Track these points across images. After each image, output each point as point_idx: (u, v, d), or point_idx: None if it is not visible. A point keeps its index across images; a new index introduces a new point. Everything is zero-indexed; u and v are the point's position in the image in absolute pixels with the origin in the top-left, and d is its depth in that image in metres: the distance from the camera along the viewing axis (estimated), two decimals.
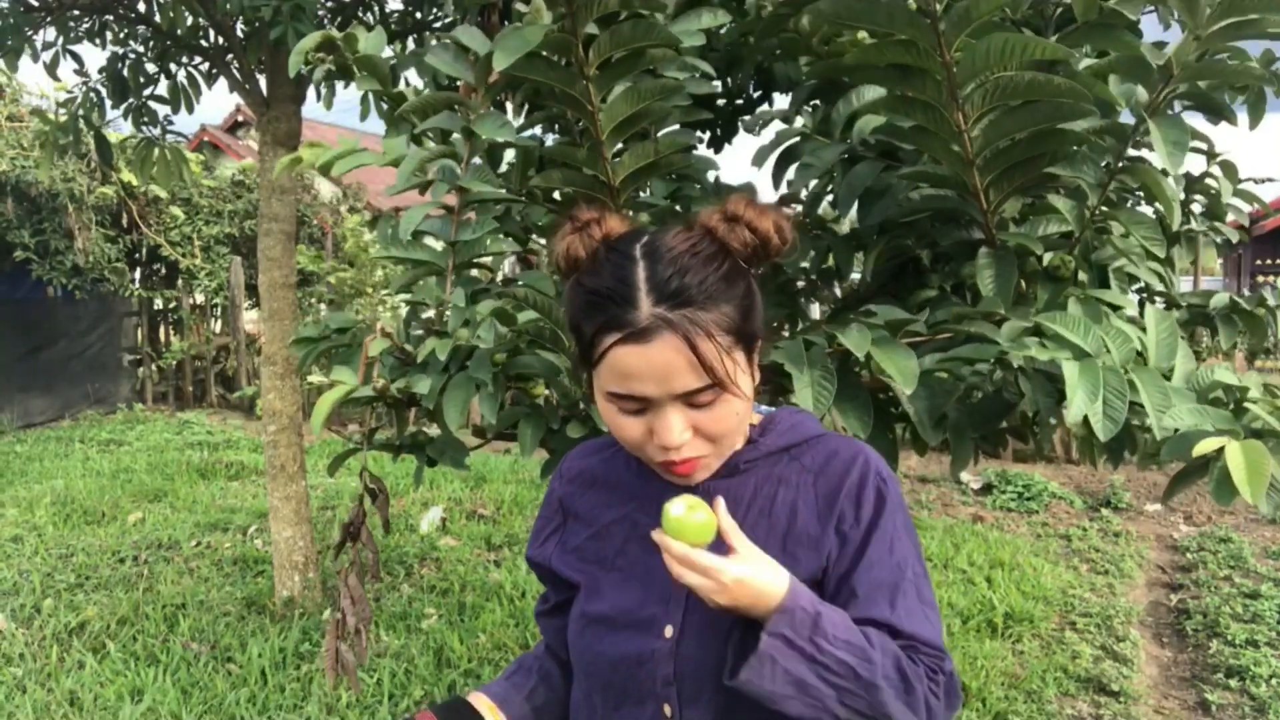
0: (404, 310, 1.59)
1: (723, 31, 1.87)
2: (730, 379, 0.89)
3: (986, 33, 1.17)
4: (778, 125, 1.87)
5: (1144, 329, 1.31)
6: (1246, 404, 1.17)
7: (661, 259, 0.89)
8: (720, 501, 0.89)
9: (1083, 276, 1.52)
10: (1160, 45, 1.47)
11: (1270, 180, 1.96)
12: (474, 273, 1.65)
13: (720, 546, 0.88)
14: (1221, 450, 1.07)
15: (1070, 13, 1.38)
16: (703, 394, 0.89)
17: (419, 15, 3.72)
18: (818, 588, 0.94)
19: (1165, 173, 1.37)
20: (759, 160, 1.81)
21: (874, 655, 0.87)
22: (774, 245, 0.94)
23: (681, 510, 0.88)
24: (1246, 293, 1.84)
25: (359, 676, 3.24)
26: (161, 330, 10.18)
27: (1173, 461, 1.20)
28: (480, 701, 1.11)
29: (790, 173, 1.79)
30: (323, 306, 9.70)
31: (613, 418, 0.94)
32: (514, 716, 1.12)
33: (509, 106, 2.02)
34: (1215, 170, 1.85)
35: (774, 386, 1.41)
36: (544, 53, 1.37)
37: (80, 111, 4.05)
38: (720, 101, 2.05)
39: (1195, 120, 1.54)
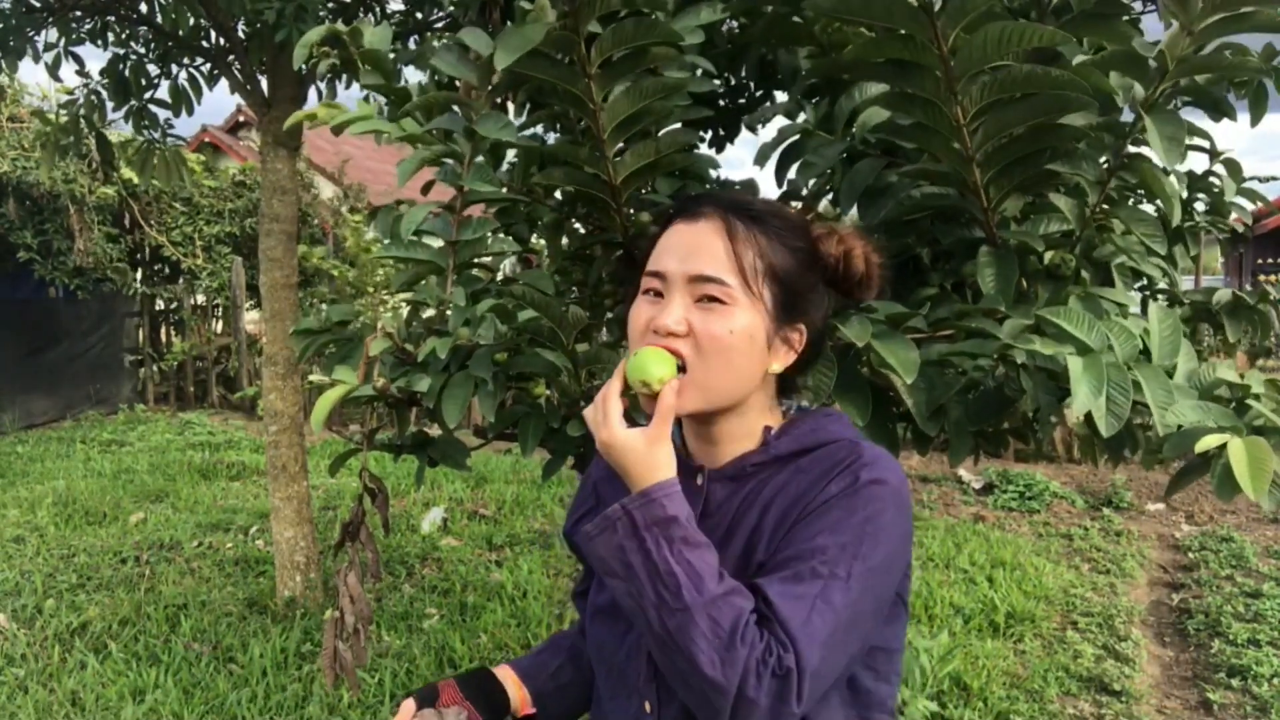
0: (404, 310, 1.59)
1: (724, 28, 1.87)
2: (744, 283, 0.92)
3: (983, 24, 1.16)
4: (780, 121, 1.86)
5: (1147, 326, 1.30)
6: (1249, 401, 1.17)
7: (745, 193, 0.99)
8: (671, 387, 0.90)
9: (1084, 275, 1.51)
10: (1156, 44, 1.46)
11: (1275, 179, 1.96)
12: (474, 272, 1.65)
13: None
14: (1224, 447, 1.07)
15: (1067, 3, 1.38)
16: (711, 286, 0.92)
17: (420, 15, 3.72)
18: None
19: (1168, 173, 1.37)
20: (761, 159, 1.81)
21: (708, 588, 0.83)
22: (856, 265, 0.98)
23: (650, 352, 0.91)
24: (1249, 287, 1.84)
25: (360, 677, 3.25)
26: (163, 330, 10.18)
27: (1175, 460, 1.20)
28: (504, 673, 1.14)
29: (792, 171, 1.78)
30: (324, 306, 9.69)
31: (633, 310, 0.97)
32: (537, 691, 1.14)
33: (510, 106, 2.02)
34: (1218, 169, 1.85)
35: (790, 388, 1.41)
36: (546, 50, 1.37)
37: (81, 112, 4.06)
38: (721, 101, 2.05)
39: (1197, 118, 1.53)
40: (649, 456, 0.88)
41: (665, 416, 0.89)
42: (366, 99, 3.90)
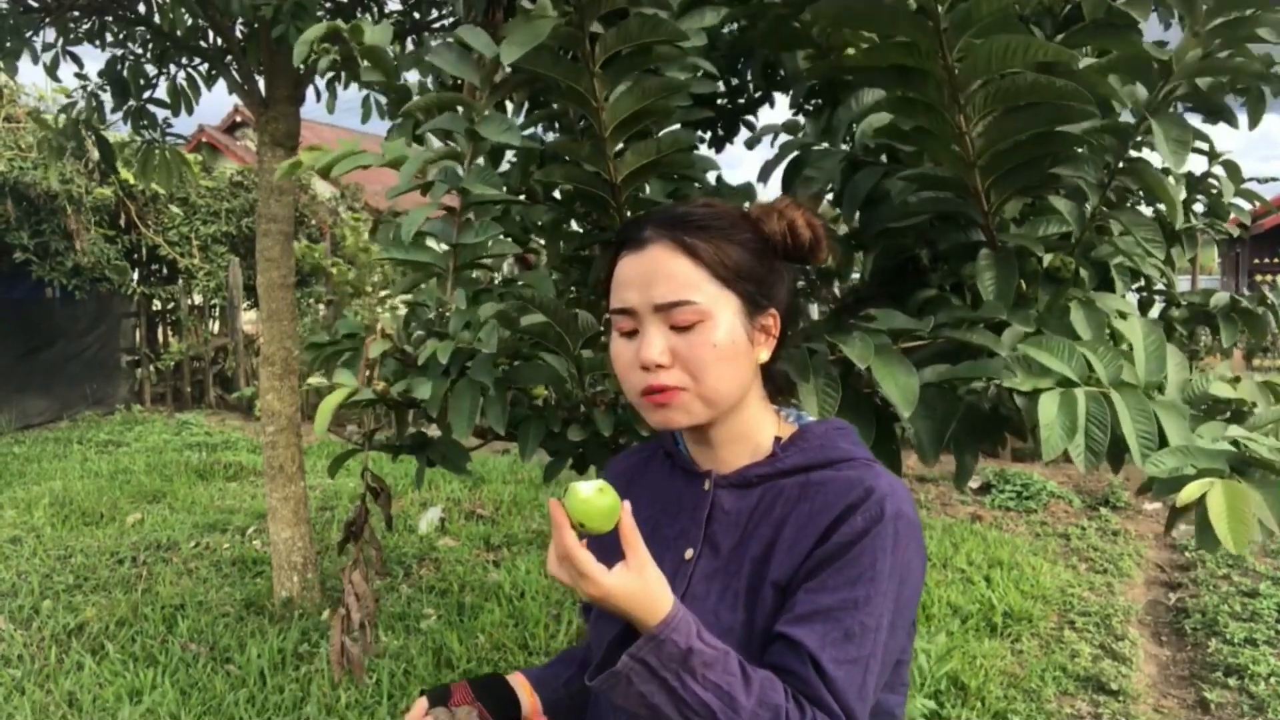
0: (403, 310, 1.60)
1: (725, 30, 1.87)
2: (711, 294, 0.92)
3: (989, 33, 1.16)
4: (782, 136, 1.86)
5: (1141, 333, 1.29)
6: (1234, 433, 1.14)
7: (679, 204, 0.99)
8: (627, 506, 0.85)
9: (1083, 275, 1.52)
10: (1161, 44, 1.47)
11: (1273, 180, 1.97)
12: (474, 274, 1.65)
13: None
14: (1204, 496, 1.03)
15: (1078, 10, 1.38)
16: (679, 310, 0.92)
17: (418, 15, 3.72)
18: (782, 594, 0.93)
19: (1167, 171, 1.37)
20: (764, 176, 1.81)
21: (741, 703, 0.82)
22: (801, 235, 0.99)
23: (589, 492, 0.84)
24: (1246, 291, 1.85)
25: (362, 674, 3.24)
26: (160, 331, 10.17)
27: (1163, 496, 1.18)
28: (517, 680, 1.15)
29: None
30: (321, 307, 9.71)
31: (612, 348, 0.98)
32: (549, 699, 1.15)
33: (509, 106, 2.02)
34: (1218, 170, 1.85)
35: (784, 385, 1.41)
36: (551, 46, 1.37)
37: (81, 115, 4.05)
38: (721, 100, 2.05)
39: (1196, 121, 1.54)
40: (646, 590, 0.83)
41: (634, 539, 0.84)
42: (366, 100, 3.87)
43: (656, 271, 0.93)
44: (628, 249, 0.96)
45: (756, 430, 1.01)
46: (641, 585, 0.83)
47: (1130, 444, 1.12)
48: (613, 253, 0.99)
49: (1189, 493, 1.04)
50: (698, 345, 0.92)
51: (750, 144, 2.01)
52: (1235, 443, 1.12)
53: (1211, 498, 1.02)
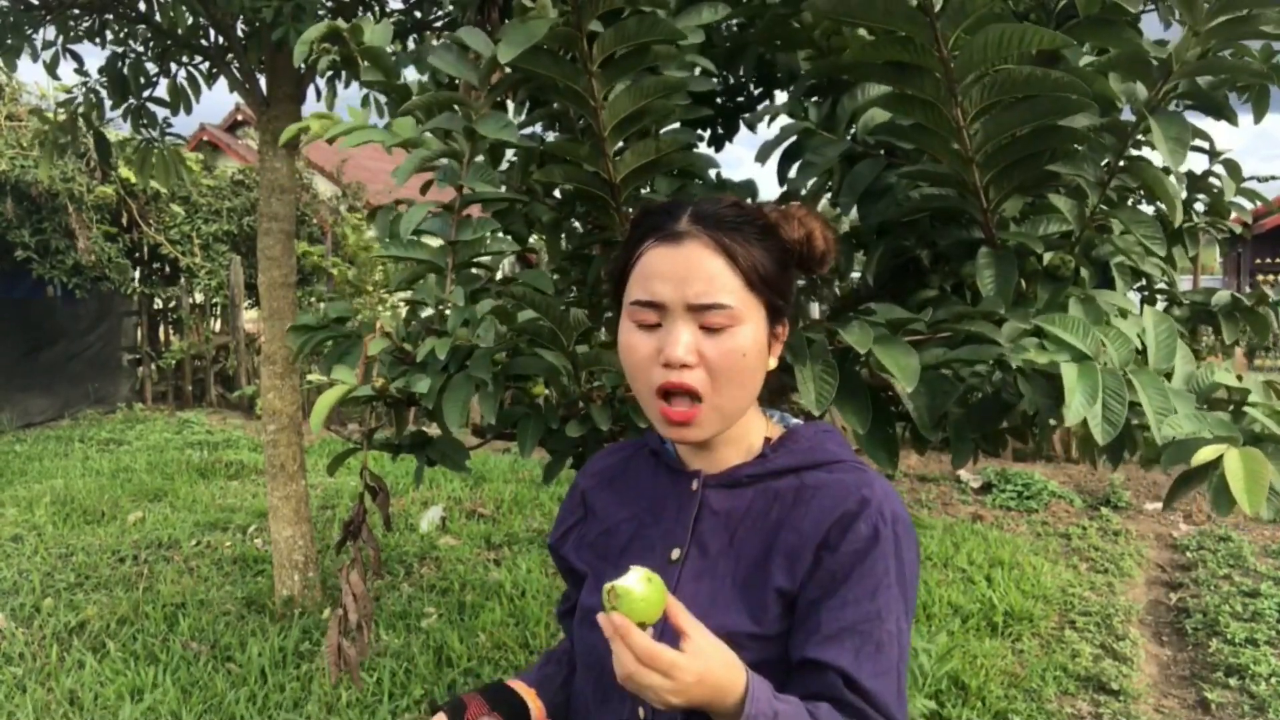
0: (403, 309, 1.59)
1: (724, 27, 1.87)
2: (743, 301, 0.91)
3: (983, 26, 1.16)
4: (781, 119, 1.85)
5: (1143, 329, 1.30)
6: (1246, 408, 1.16)
7: (710, 201, 0.96)
8: (673, 602, 0.83)
9: (1084, 274, 1.51)
10: (1162, 44, 1.46)
11: (1274, 178, 1.96)
12: (473, 271, 1.65)
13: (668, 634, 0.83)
14: (1220, 459, 1.05)
15: (1072, 7, 1.38)
16: (714, 313, 0.90)
17: (419, 14, 3.72)
18: (790, 605, 0.93)
19: (1167, 170, 1.37)
20: (762, 156, 1.80)
21: None
22: (817, 245, 0.98)
23: (640, 587, 0.80)
24: (1248, 290, 1.84)
25: (359, 674, 3.24)
26: (161, 330, 10.18)
27: (1173, 465, 1.19)
28: (519, 687, 1.14)
29: (792, 171, 1.78)
30: (322, 306, 9.71)
31: (628, 339, 0.95)
32: (549, 702, 1.15)
33: (509, 105, 2.02)
34: (1218, 169, 1.85)
35: (775, 387, 1.40)
36: (549, 46, 1.37)
37: (80, 111, 4.06)
38: (720, 99, 2.05)
39: (1197, 119, 1.53)
40: (724, 664, 0.82)
41: (690, 620, 0.82)
42: (366, 99, 3.89)
43: (694, 269, 0.90)
44: (658, 239, 0.93)
45: (750, 432, 1.01)
46: (719, 662, 0.82)
47: (1147, 412, 1.13)
48: (635, 238, 0.96)
49: (1205, 454, 1.06)
50: (726, 351, 0.91)
51: (751, 124, 2.01)
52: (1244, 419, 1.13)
53: (1229, 460, 1.04)
